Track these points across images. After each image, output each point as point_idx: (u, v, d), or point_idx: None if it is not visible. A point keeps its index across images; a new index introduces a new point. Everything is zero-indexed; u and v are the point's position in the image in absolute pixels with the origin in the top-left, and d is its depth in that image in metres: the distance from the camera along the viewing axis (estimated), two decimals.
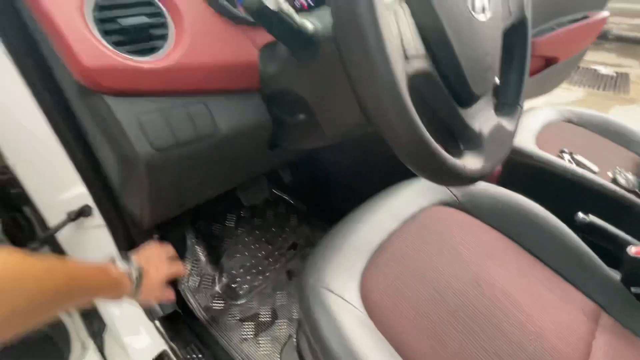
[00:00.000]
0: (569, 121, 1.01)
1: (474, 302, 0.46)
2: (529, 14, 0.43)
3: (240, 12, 0.41)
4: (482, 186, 0.60)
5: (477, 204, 0.59)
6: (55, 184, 0.52)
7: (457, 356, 0.42)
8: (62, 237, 0.59)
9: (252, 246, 0.97)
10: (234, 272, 0.90)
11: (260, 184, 0.94)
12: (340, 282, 0.46)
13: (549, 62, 1.23)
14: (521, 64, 0.43)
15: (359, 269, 0.49)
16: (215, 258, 0.91)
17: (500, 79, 0.45)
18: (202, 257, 0.89)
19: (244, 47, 0.42)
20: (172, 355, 0.66)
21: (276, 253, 0.96)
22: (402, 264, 0.50)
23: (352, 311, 0.43)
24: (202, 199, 0.62)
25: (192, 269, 0.86)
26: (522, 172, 0.80)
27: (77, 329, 0.64)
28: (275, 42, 0.42)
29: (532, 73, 1.21)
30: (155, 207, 0.51)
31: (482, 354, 0.42)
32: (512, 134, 0.41)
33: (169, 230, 0.82)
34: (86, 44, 0.34)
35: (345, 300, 0.44)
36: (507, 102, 0.43)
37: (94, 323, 0.72)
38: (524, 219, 0.56)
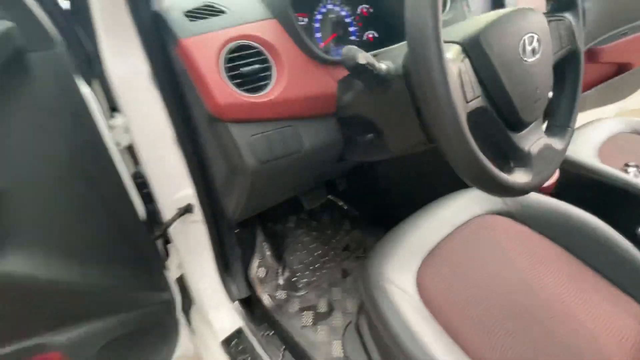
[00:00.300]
0: (637, 133, 0.97)
1: (525, 303, 0.50)
2: (581, 44, 0.47)
3: (324, 54, 0.52)
4: (534, 197, 0.64)
5: (529, 214, 0.63)
6: (172, 186, 0.67)
7: (509, 349, 0.46)
8: (171, 228, 0.75)
9: (310, 245, 1.08)
10: (294, 267, 1.01)
11: (319, 190, 1.05)
12: (398, 276, 0.54)
13: (622, 68, 1.18)
14: (573, 90, 0.47)
15: (414, 266, 0.56)
16: (278, 254, 1.03)
17: (552, 102, 0.49)
18: (268, 252, 1.02)
19: (326, 82, 0.53)
20: (248, 331, 0.79)
21: (331, 253, 1.06)
22: (454, 264, 0.56)
23: (409, 300, 0.51)
24: (279, 200, 0.74)
25: (260, 262, 0.99)
26: (580, 184, 0.80)
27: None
28: (351, 76, 0.51)
29: (603, 80, 1.17)
30: (247, 206, 0.63)
31: (532, 351, 0.45)
32: (561, 153, 0.46)
33: (245, 228, 0.96)
34: (219, 86, 0.46)
35: (403, 291, 0.52)
36: (558, 124, 0.47)
37: (184, 299, 0.87)
38: (576, 228, 0.58)
